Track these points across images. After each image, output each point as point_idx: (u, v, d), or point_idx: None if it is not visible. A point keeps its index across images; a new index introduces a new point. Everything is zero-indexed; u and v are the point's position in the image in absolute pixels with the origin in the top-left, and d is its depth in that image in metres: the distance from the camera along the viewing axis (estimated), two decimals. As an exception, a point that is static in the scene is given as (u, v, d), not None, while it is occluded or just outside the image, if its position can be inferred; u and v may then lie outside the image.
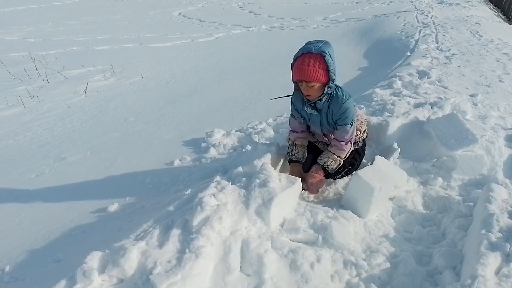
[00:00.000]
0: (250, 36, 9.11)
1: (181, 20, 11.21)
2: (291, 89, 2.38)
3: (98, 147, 3.58)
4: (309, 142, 2.60)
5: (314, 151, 2.57)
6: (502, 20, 9.88)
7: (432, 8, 9.37)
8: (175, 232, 1.72)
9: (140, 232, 1.80)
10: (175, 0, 14.88)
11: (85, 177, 3.02)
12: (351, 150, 2.36)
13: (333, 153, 2.32)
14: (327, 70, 2.08)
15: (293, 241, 1.95)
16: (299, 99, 2.34)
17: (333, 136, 2.35)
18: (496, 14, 11.33)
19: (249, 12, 12.62)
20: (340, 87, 2.27)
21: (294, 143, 2.47)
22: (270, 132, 3.60)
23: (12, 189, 2.91)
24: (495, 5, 14.60)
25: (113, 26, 10.09)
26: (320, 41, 2.14)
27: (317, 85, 2.12)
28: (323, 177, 2.36)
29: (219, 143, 3.46)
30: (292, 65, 2.15)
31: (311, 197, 2.40)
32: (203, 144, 3.45)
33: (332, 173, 2.49)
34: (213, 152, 3.29)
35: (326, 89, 2.14)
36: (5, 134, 4.00)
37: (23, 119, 4.38)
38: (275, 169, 2.32)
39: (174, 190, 2.61)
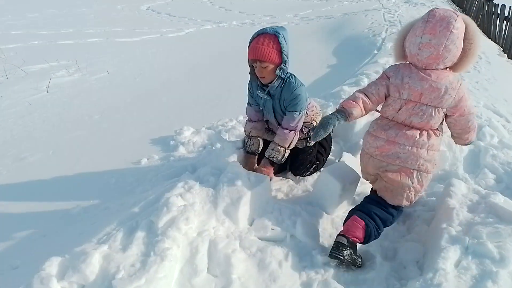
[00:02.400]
0: (221, 32, 9.04)
1: (150, 14, 10.96)
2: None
3: (61, 146, 3.44)
4: (266, 140, 2.58)
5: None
6: (463, 20, 10.27)
7: (399, 7, 9.61)
8: (140, 235, 1.67)
9: (102, 235, 1.74)
10: (143, -6, 14.52)
11: (46, 177, 2.89)
12: (295, 139, 2.34)
13: (276, 144, 2.34)
14: (280, 51, 2.10)
15: (261, 240, 1.95)
16: (255, 84, 2.35)
17: (280, 125, 2.35)
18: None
19: (220, 7, 12.51)
20: (293, 75, 2.28)
21: (250, 134, 2.47)
22: (240, 130, 3.58)
23: (-34, 191, 2.74)
24: (457, 5, 15.18)
25: (78, 19, 9.71)
26: (276, 26, 2.19)
27: (271, 66, 2.12)
28: (272, 170, 2.39)
29: (188, 141, 3.40)
30: (248, 47, 2.17)
31: (281, 194, 2.40)
32: (171, 142, 3.38)
33: (301, 170, 2.50)
34: (182, 151, 3.23)
35: (278, 71, 2.15)
36: (-42, 133, 3.76)
37: (-21, 117, 4.14)
38: (244, 166, 2.31)
39: (140, 191, 2.54)
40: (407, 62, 1.90)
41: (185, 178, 2.13)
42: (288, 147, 2.34)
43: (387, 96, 1.94)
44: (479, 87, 4.09)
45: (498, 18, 8.44)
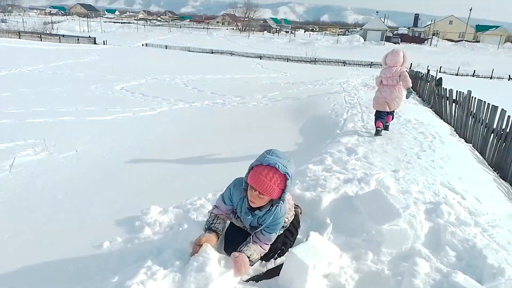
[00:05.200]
0: (193, 111, 9.36)
1: (123, 94, 11.27)
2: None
3: (19, 229, 3.26)
4: (233, 223, 2.58)
5: (238, 232, 2.55)
6: (417, 102, 11.25)
7: (358, 90, 10.47)
8: (96, 329, 1.57)
9: (54, 331, 1.61)
10: (118, 76, 15.07)
11: (-2, 264, 2.69)
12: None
13: (256, 248, 2.32)
14: (283, 190, 2.17)
15: (227, 329, 1.86)
16: (240, 196, 2.36)
17: (257, 236, 2.36)
18: (412, 96, 12.89)
19: (193, 88, 13.10)
20: (282, 204, 2.31)
21: (217, 216, 2.44)
22: (209, 208, 3.56)
23: None
24: (412, 88, 16.58)
25: (50, 98, 9.82)
26: (285, 158, 2.19)
27: (268, 198, 2.20)
28: (247, 260, 2.26)
29: (155, 221, 3.33)
30: (251, 167, 2.18)
31: (247, 277, 2.35)
32: (137, 223, 3.30)
33: (267, 257, 2.47)
34: (147, 232, 3.14)
35: (273, 204, 2.24)
36: None
37: None
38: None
39: (100, 278, 2.40)
40: (387, 66, 5.83)
41: (148, 263, 2.06)
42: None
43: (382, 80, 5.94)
44: (435, 165, 4.36)
45: (447, 101, 9.31)
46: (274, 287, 2.21)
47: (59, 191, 4.16)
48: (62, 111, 8.38)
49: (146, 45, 40.77)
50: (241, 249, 2.30)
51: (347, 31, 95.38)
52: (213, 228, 2.37)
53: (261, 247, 2.35)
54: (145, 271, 1.94)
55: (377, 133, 5.62)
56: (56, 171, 4.80)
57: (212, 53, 36.15)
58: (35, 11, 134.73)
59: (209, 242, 2.27)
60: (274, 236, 2.39)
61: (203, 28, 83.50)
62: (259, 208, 2.26)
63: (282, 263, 2.35)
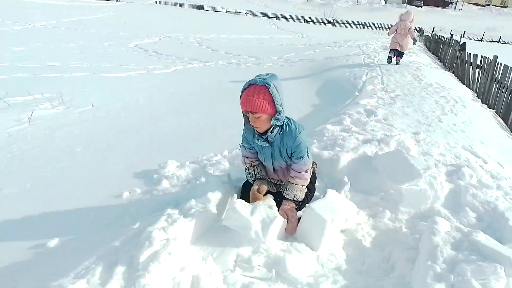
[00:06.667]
0: (207, 70, 9.23)
1: (137, 51, 11.13)
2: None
3: (39, 178, 3.33)
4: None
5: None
6: (439, 67, 10.85)
7: (378, 53, 10.12)
8: (120, 269, 1.60)
9: (81, 270, 1.66)
10: (132, 33, 14.84)
11: (22, 210, 2.77)
12: (309, 177, 2.42)
13: (297, 184, 2.36)
14: (272, 101, 2.12)
15: (246, 276, 1.89)
16: (250, 131, 2.36)
17: (292, 169, 2.38)
18: (433, 61, 12.46)
19: (207, 47, 12.86)
20: (291, 119, 2.32)
21: (253, 164, 2.47)
22: (225, 164, 3.57)
23: None
24: (433, 53, 16.07)
25: (64, 54, 9.77)
26: (267, 74, 2.19)
27: (264, 116, 2.14)
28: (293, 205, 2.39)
29: (172, 174, 3.36)
30: (240, 97, 2.19)
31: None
32: (155, 176, 3.33)
33: None
34: (165, 184, 3.17)
35: (273, 121, 2.18)
36: None
37: (-46, 147, 4.00)
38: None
39: (120, 225, 2.45)
40: (401, 20, 8.81)
41: (168, 211, 2.08)
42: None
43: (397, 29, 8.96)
44: (457, 129, 4.25)
45: (471, 66, 8.95)
46: (292, 240, 2.22)
47: (77, 144, 4.20)
48: (76, 67, 8.34)
49: (160, 2, 39.78)
50: (284, 194, 2.38)
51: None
52: (259, 176, 2.45)
53: (300, 179, 2.35)
54: (166, 219, 1.97)
55: (389, 59, 8.61)
56: (73, 125, 4.83)
57: (226, 12, 35.15)
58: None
59: (263, 189, 2.39)
60: (307, 160, 2.32)
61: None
62: (269, 131, 2.24)
63: (300, 218, 2.36)
